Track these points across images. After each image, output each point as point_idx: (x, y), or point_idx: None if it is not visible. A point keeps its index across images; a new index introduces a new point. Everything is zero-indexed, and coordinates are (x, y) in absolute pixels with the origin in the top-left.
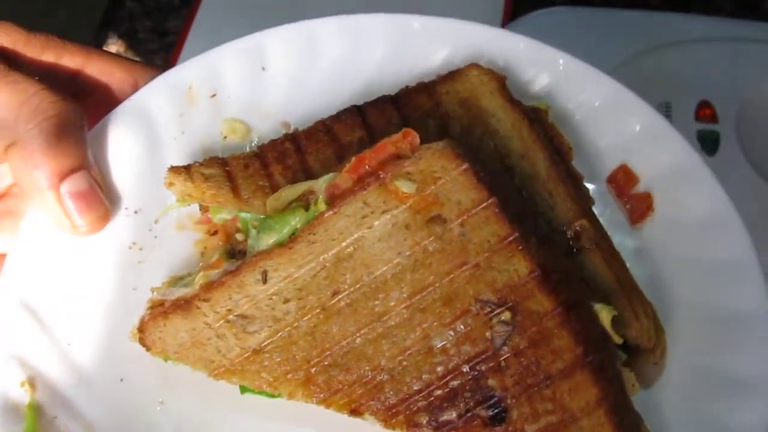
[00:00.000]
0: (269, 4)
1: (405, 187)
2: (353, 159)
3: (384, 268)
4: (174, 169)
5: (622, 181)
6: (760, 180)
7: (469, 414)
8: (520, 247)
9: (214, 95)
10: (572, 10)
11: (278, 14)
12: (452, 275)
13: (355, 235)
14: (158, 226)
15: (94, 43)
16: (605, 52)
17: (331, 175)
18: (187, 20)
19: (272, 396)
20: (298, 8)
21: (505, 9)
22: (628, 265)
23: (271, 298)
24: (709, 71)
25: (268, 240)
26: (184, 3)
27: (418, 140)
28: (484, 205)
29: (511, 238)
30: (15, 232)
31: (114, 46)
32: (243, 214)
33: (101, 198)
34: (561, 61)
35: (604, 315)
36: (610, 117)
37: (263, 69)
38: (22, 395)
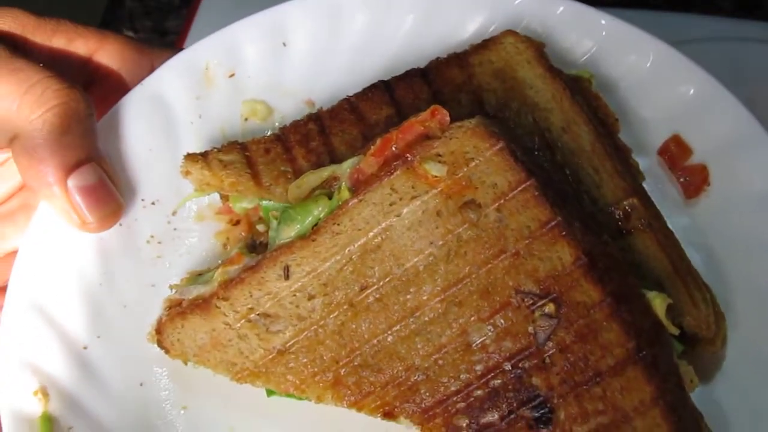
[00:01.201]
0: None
1: (435, 170)
2: (378, 141)
3: (415, 260)
4: (190, 157)
5: (674, 152)
6: None
7: (512, 415)
8: (564, 233)
9: (232, 75)
10: None
11: None
12: (489, 265)
13: (383, 225)
14: (177, 218)
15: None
16: None
17: (354, 158)
18: (187, 20)
19: (299, 399)
20: None
21: None
22: (682, 246)
23: (294, 295)
24: (709, 71)
25: (290, 232)
26: (184, 3)
27: (448, 118)
28: (523, 187)
29: (553, 223)
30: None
31: None
32: (265, 203)
33: (112, 191)
34: (604, 24)
35: (658, 303)
36: (660, 83)
37: (284, 45)
38: (34, 406)
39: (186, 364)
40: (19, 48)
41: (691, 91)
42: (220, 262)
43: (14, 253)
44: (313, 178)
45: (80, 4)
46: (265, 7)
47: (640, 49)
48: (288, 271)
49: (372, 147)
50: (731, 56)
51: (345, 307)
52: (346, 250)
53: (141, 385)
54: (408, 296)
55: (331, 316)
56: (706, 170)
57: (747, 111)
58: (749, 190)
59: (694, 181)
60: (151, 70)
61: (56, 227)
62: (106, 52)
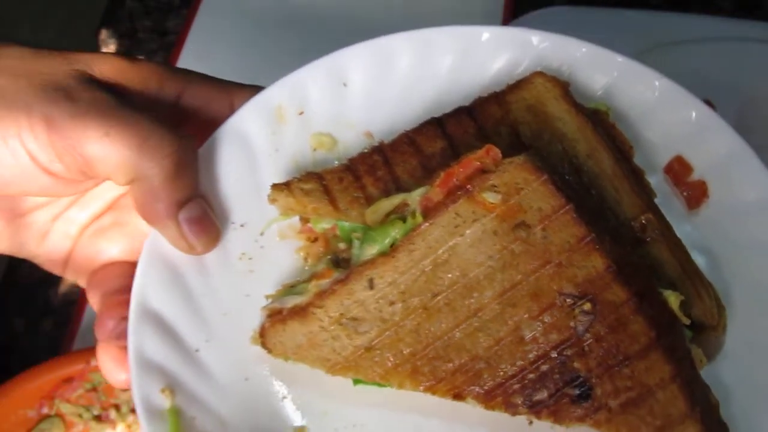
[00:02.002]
0: (270, 5)
1: (491, 198)
2: (442, 174)
3: (477, 270)
4: (276, 187)
5: (678, 170)
6: None
7: (558, 393)
8: (597, 247)
9: (301, 113)
10: (572, 10)
11: (278, 14)
12: (537, 273)
13: (450, 243)
14: (263, 238)
15: (94, 42)
16: None
17: (423, 188)
18: (187, 20)
19: (383, 386)
20: (299, 8)
21: (505, 8)
22: (688, 250)
23: (378, 302)
24: (709, 71)
25: (371, 250)
26: (184, 3)
27: (500, 155)
28: (563, 211)
29: (588, 239)
30: (126, 240)
31: (114, 45)
32: (342, 223)
33: (213, 221)
34: (617, 62)
35: (673, 300)
36: (664, 112)
37: (344, 85)
38: (162, 401)
39: (286, 361)
40: (121, 95)
41: (691, 118)
42: (306, 270)
43: (111, 263)
44: (387, 204)
45: (80, 4)
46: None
47: (647, 83)
48: (372, 282)
49: (437, 179)
50: (731, 56)
51: (420, 310)
52: (420, 264)
53: (246, 380)
54: (471, 300)
55: (409, 318)
56: (705, 185)
57: (737, 134)
58: (742, 201)
59: (695, 194)
60: (231, 107)
61: (165, 250)
62: (192, 91)
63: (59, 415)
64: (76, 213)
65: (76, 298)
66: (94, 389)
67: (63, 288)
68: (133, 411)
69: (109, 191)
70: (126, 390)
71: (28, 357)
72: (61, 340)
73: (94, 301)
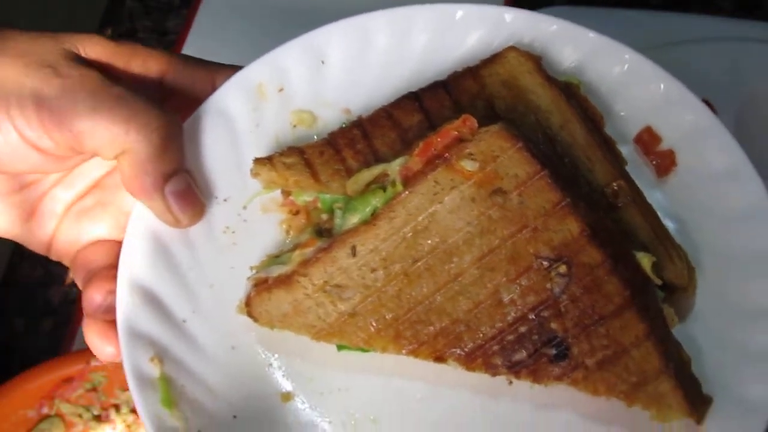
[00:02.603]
0: (269, 4)
1: (469, 165)
2: (421, 144)
3: (456, 236)
4: (258, 161)
5: (647, 140)
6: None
7: (536, 353)
8: (572, 211)
9: (281, 90)
10: (572, 10)
11: (278, 14)
12: (514, 238)
13: (429, 210)
14: (246, 212)
15: None
16: None
17: (402, 158)
18: (187, 20)
19: (366, 351)
20: (299, 7)
21: None
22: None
23: (360, 269)
24: (709, 71)
25: (353, 219)
26: (184, 3)
27: (476, 125)
28: (538, 176)
29: (563, 203)
30: (110, 220)
31: None
32: (323, 195)
33: (197, 194)
34: (590, 37)
35: (645, 262)
36: (633, 86)
37: (323, 63)
38: (152, 370)
39: (272, 329)
40: (108, 73)
41: (660, 90)
42: (288, 242)
43: (96, 242)
44: (367, 175)
45: (80, 4)
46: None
47: (618, 57)
48: (354, 250)
49: (416, 149)
50: (731, 56)
51: (401, 276)
52: (401, 232)
53: (233, 348)
54: (451, 265)
55: (391, 283)
56: (673, 154)
57: (704, 106)
58: (709, 168)
59: (664, 163)
60: (213, 86)
61: (151, 224)
62: (175, 71)
63: (59, 415)
64: (62, 192)
65: (76, 297)
66: (94, 389)
67: (63, 288)
68: (133, 411)
69: (93, 170)
70: (126, 390)
71: (28, 357)
72: (61, 340)
73: (79, 279)
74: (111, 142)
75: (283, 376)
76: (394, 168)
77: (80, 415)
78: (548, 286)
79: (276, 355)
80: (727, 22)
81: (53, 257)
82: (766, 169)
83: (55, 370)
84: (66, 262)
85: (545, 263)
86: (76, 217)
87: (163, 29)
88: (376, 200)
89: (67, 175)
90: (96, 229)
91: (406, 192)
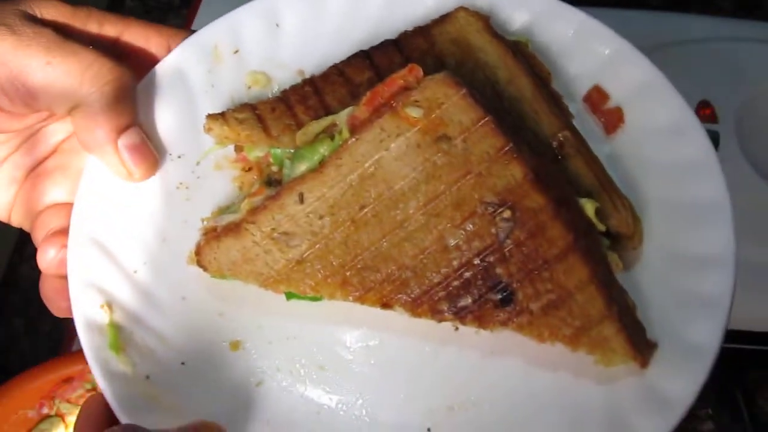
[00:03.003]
0: None
1: (414, 113)
2: (368, 93)
3: (401, 183)
4: (211, 116)
5: (595, 99)
6: (759, 180)
7: (482, 299)
8: (515, 156)
9: (236, 51)
10: None
11: None
12: (459, 183)
13: (375, 157)
14: (199, 168)
15: None
16: None
17: (350, 108)
18: (187, 20)
19: (314, 299)
20: None
21: None
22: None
23: (308, 216)
24: (709, 71)
25: (301, 168)
26: (184, 3)
27: (421, 73)
28: (482, 122)
29: (507, 149)
30: (69, 183)
31: None
32: (275, 150)
33: (151, 149)
34: (539, 0)
35: (589, 207)
36: (583, 45)
37: (277, 25)
38: (102, 316)
39: (222, 279)
40: (64, 33)
41: (607, 51)
42: (241, 197)
43: (55, 205)
44: (316, 126)
45: (80, 4)
46: None
47: (566, 18)
48: (302, 197)
49: (363, 98)
50: (731, 56)
51: (348, 222)
52: (348, 178)
53: (183, 298)
54: (397, 211)
55: (338, 230)
56: (621, 111)
57: (651, 63)
58: (655, 124)
59: (612, 120)
60: (168, 48)
61: (104, 178)
62: (130, 34)
63: (59, 415)
64: (21, 157)
65: None
66: (94, 389)
67: None
68: None
69: (53, 135)
70: None
71: (27, 357)
72: (61, 340)
73: (38, 240)
74: (64, 96)
75: (233, 325)
76: (342, 117)
77: None
78: (493, 231)
79: (226, 305)
80: (727, 22)
81: (14, 224)
82: (766, 169)
83: (55, 370)
84: (26, 228)
85: (490, 208)
86: (37, 180)
87: None
88: (323, 148)
89: (27, 141)
90: (56, 192)
91: (353, 139)
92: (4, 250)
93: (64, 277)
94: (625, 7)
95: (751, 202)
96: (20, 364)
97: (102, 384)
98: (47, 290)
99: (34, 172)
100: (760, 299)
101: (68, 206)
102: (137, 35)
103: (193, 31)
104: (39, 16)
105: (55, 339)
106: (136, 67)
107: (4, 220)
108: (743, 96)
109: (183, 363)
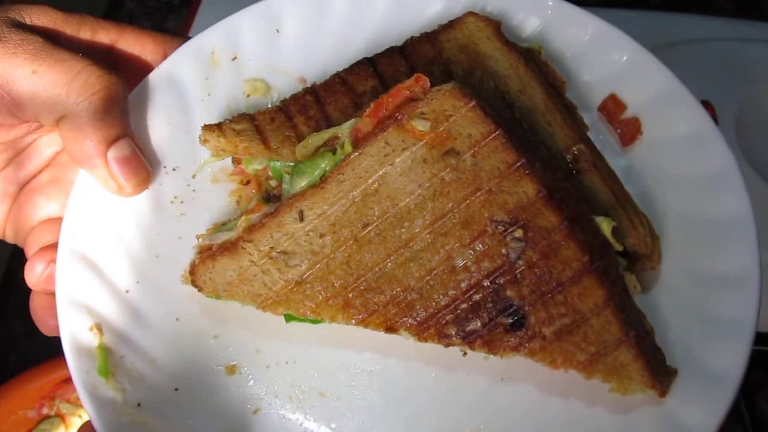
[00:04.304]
0: None
1: (420, 125)
2: (372, 104)
3: (407, 199)
4: (207, 127)
5: (611, 108)
6: (759, 180)
7: (492, 322)
8: (527, 172)
9: (234, 58)
10: None
11: None
12: (468, 201)
13: (380, 172)
14: (195, 181)
15: None
16: None
17: (353, 120)
18: (187, 20)
19: (315, 322)
20: None
21: None
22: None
23: (308, 234)
24: (709, 71)
25: (301, 183)
26: (184, 3)
27: (428, 84)
28: (492, 136)
29: (518, 164)
30: (63, 197)
31: None
32: (273, 163)
33: (143, 161)
34: (550, 4)
35: (605, 226)
36: (598, 52)
37: (278, 31)
38: (91, 339)
39: (217, 299)
40: (54, 40)
41: (624, 58)
42: (237, 213)
43: (48, 220)
44: (317, 139)
45: (80, 5)
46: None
47: (580, 24)
48: (302, 214)
49: (367, 110)
50: (731, 56)
51: (351, 241)
52: (350, 195)
53: (177, 320)
54: (402, 230)
55: (340, 249)
56: (638, 122)
57: (670, 71)
58: (674, 136)
59: (629, 131)
60: (165, 55)
61: (95, 192)
62: (125, 41)
63: (59, 416)
64: (13, 172)
65: None
66: None
67: None
68: None
69: (48, 147)
70: None
71: (27, 358)
72: (60, 340)
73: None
74: (51, 105)
75: (229, 348)
76: (345, 130)
77: (80, 415)
78: (504, 251)
79: (222, 327)
80: (727, 22)
81: (8, 240)
82: (766, 169)
83: (55, 370)
84: (20, 243)
85: (500, 227)
86: (31, 194)
87: (163, 29)
88: (325, 163)
89: (20, 154)
90: (49, 207)
91: (356, 153)
92: (4, 252)
93: (53, 294)
94: (625, 7)
95: (750, 201)
96: (20, 364)
97: (90, 411)
98: (36, 307)
99: (27, 186)
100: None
101: (61, 221)
102: (132, 42)
103: (190, 38)
104: (28, 22)
105: (55, 339)
106: (131, 75)
107: None
108: (743, 96)
109: (176, 389)
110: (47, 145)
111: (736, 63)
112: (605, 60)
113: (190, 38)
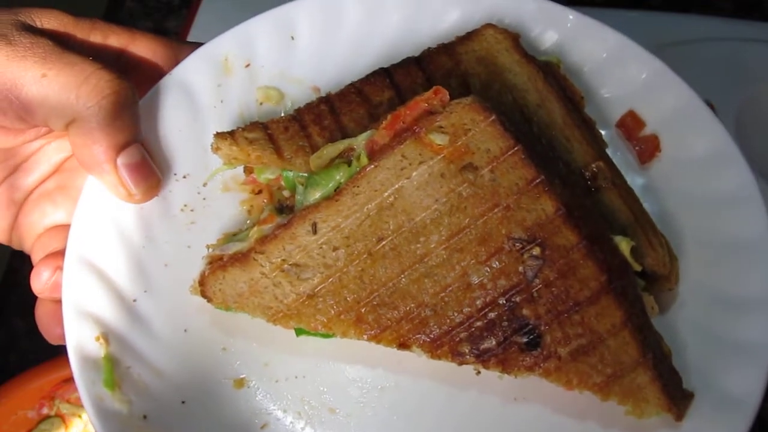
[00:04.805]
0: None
1: (438, 139)
2: (389, 116)
3: (423, 214)
4: (219, 135)
5: (630, 125)
6: (759, 180)
7: (506, 341)
8: (546, 189)
9: (248, 65)
10: None
11: None
12: (485, 217)
13: (396, 186)
14: (206, 189)
15: None
16: None
17: (369, 132)
18: (187, 20)
19: (326, 336)
20: None
21: None
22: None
23: (321, 247)
24: (709, 71)
25: (315, 194)
26: (184, 3)
27: (447, 97)
28: (512, 152)
29: (537, 181)
30: (71, 204)
31: None
32: (286, 173)
33: (153, 168)
34: (570, 18)
35: (624, 246)
36: (617, 67)
37: (292, 38)
38: (97, 348)
39: (227, 311)
40: (63, 43)
41: (643, 74)
42: (249, 222)
43: (55, 227)
44: (332, 150)
45: (80, 5)
46: (265, 7)
47: (600, 38)
48: (315, 227)
49: (384, 122)
50: (731, 56)
51: (364, 255)
52: (365, 208)
53: (185, 331)
54: (418, 245)
55: (353, 263)
56: (657, 139)
57: (690, 89)
58: (694, 154)
59: (647, 148)
60: (176, 62)
61: (103, 199)
62: (136, 46)
63: (59, 416)
64: (21, 178)
65: None
66: None
67: None
68: None
69: (55, 154)
70: None
71: (27, 358)
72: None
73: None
74: (60, 110)
75: (237, 361)
76: (360, 142)
77: (80, 415)
78: (520, 269)
79: (231, 339)
80: (727, 22)
81: (15, 246)
82: (766, 169)
83: (55, 370)
84: (26, 250)
85: (518, 245)
86: (38, 201)
87: (163, 29)
88: (339, 175)
89: (28, 161)
90: (56, 214)
91: (372, 166)
92: (4, 251)
93: (60, 302)
94: (625, 7)
95: None
96: (20, 364)
97: (95, 424)
98: (41, 315)
99: (34, 193)
100: None
101: (69, 228)
102: (143, 48)
103: (202, 44)
104: (38, 25)
105: None
106: (141, 81)
107: (5, 242)
108: (743, 96)
109: (183, 402)
110: (55, 151)
111: (736, 63)
112: (625, 75)
113: (202, 44)
